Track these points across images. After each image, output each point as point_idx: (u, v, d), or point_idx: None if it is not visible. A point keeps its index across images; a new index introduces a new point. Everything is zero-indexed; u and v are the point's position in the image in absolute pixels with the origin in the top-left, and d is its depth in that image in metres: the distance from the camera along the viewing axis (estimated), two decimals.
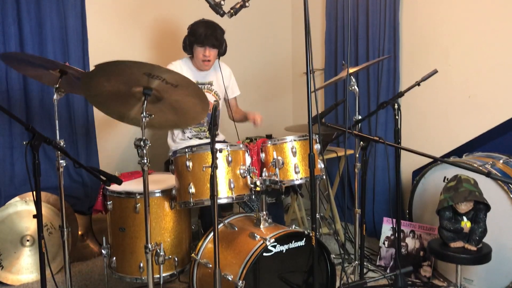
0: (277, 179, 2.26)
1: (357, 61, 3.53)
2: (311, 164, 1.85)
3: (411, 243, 2.87)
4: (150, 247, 2.03)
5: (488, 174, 2.03)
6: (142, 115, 1.96)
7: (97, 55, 3.27)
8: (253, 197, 2.33)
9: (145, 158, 1.97)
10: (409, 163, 3.28)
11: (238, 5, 2.19)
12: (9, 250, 2.85)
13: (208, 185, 2.10)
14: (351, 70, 2.62)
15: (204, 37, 2.84)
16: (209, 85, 3.06)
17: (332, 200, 3.52)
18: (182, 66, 2.99)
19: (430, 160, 2.67)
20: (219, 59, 3.02)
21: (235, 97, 3.24)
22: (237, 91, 3.24)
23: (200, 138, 3.05)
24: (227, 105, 3.23)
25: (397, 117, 2.44)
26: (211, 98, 3.07)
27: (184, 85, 2.00)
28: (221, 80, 3.06)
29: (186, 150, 2.21)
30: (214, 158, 1.84)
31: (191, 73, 3.00)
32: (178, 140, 3.04)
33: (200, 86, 3.02)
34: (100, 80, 1.98)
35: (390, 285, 2.65)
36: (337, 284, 2.32)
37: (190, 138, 3.04)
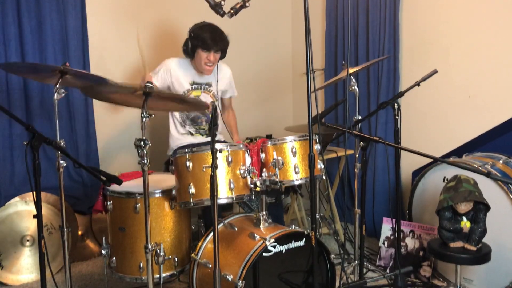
0: (277, 179, 2.26)
1: (357, 61, 3.52)
2: (311, 164, 1.85)
3: (410, 243, 2.87)
4: (150, 247, 2.04)
5: (487, 174, 2.04)
6: (142, 115, 1.97)
7: (97, 55, 3.28)
8: (253, 197, 2.33)
9: (145, 158, 1.98)
10: (409, 163, 3.28)
11: (238, 5, 2.18)
12: (9, 250, 2.85)
13: (208, 185, 2.10)
14: (351, 70, 2.62)
15: (211, 42, 2.83)
16: (208, 86, 3.06)
17: (332, 200, 3.52)
18: (177, 66, 2.97)
19: (430, 160, 2.67)
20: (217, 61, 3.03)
21: (230, 97, 3.25)
22: (235, 92, 3.25)
23: (201, 135, 3.07)
24: (220, 105, 3.22)
25: (397, 117, 2.44)
26: (208, 99, 3.07)
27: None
28: (220, 81, 3.06)
29: (186, 150, 2.21)
30: (214, 158, 1.85)
31: (188, 73, 3.00)
32: (179, 135, 3.05)
33: (196, 85, 3.02)
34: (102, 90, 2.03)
35: (390, 285, 2.65)
36: (337, 284, 2.32)
37: (192, 134, 3.05)
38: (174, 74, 2.97)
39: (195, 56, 2.92)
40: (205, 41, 2.83)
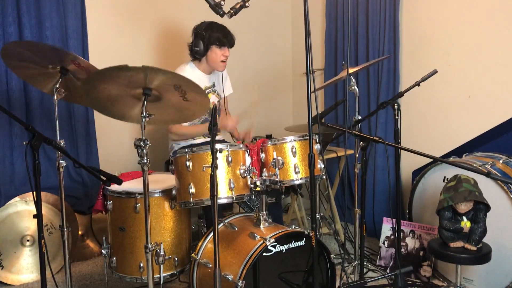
0: (277, 179, 2.26)
1: (357, 61, 3.53)
2: (311, 164, 1.86)
3: (411, 243, 2.87)
4: (150, 247, 2.04)
5: (488, 174, 2.04)
6: (142, 115, 1.96)
7: (97, 55, 3.27)
8: (253, 197, 2.33)
9: (145, 158, 1.97)
10: (409, 163, 3.28)
11: (238, 5, 2.18)
12: (9, 250, 2.85)
13: (208, 185, 2.10)
14: (351, 70, 2.62)
15: (225, 38, 2.88)
16: (213, 87, 3.07)
17: (332, 200, 3.52)
18: (189, 74, 2.96)
19: (430, 160, 2.67)
20: None
21: (226, 96, 3.23)
22: (231, 89, 3.24)
23: (204, 137, 3.06)
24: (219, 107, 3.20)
25: (397, 117, 2.44)
26: (214, 99, 3.07)
27: (191, 87, 2.02)
28: (221, 80, 3.08)
29: (186, 150, 2.21)
30: (214, 158, 1.84)
31: (201, 78, 2.99)
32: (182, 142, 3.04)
33: (208, 90, 3.03)
34: (102, 84, 2.00)
35: (390, 285, 2.65)
36: (337, 284, 2.32)
37: (194, 138, 3.04)
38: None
39: (208, 55, 2.92)
40: (219, 38, 2.87)
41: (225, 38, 2.89)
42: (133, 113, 2.15)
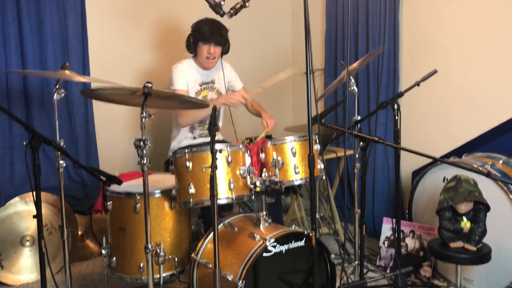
0: (277, 180, 2.26)
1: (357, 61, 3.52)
2: (311, 165, 1.85)
3: (411, 243, 2.87)
4: (150, 247, 2.04)
5: (487, 175, 2.03)
6: (142, 115, 1.97)
7: (97, 55, 3.28)
8: (253, 197, 2.33)
9: (145, 158, 1.97)
10: (409, 163, 3.28)
11: (238, 5, 2.19)
12: (9, 250, 2.85)
13: (208, 185, 2.09)
14: (350, 67, 2.61)
15: (210, 34, 2.86)
16: (212, 83, 3.07)
17: (332, 200, 3.52)
18: (188, 68, 2.98)
19: (430, 160, 2.67)
20: (221, 57, 3.03)
21: (243, 87, 3.23)
22: (240, 83, 3.24)
23: (206, 136, 3.06)
24: None
25: (396, 117, 2.44)
26: (212, 95, 3.07)
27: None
28: (222, 78, 3.08)
29: (186, 150, 2.21)
30: (214, 158, 1.85)
31: (196, 74, 3.00)
32: (184, 139, 3.03)
33: (204, 85, 3.03)
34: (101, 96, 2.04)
35: (390, 285, 2.65)
36: (337, 284, 2.32)
37: (195, 138, 3.04)
38: (188, 76, 2.98)
39: (197, 51, 2.93)
40: (204, 34, 2.86)
41: (210, 35, 2.86)
42: (135, 101, 2.15)
